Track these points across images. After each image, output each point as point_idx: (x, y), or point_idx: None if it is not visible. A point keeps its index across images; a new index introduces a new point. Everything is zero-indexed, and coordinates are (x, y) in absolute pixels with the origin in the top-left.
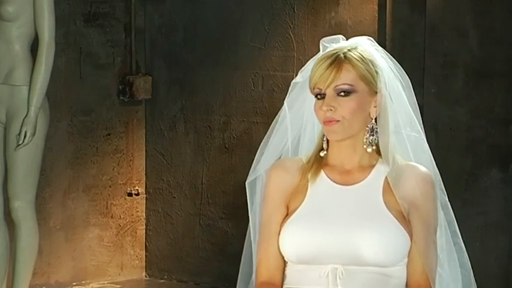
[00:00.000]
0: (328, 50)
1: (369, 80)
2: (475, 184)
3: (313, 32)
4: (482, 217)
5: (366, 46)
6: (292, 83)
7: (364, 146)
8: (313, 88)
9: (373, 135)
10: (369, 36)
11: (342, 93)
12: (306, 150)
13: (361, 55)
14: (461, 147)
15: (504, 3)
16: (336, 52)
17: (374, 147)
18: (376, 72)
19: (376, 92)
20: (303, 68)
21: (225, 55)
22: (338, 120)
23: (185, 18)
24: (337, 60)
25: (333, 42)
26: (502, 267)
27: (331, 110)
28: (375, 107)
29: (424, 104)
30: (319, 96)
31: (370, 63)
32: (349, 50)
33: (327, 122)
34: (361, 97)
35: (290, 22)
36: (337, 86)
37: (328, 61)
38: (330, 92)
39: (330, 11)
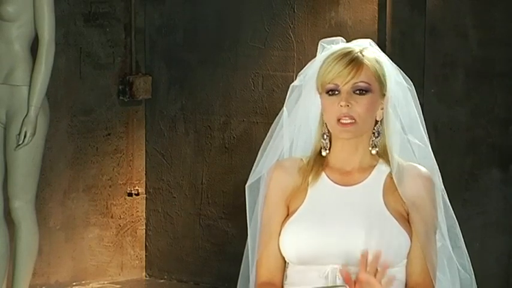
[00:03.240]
0: (331, 50)
1: (382, 81)
2: (475, 184)
3: (313, 32)
4: (482, 217)
5: (371, 48)
6: (291, 86)
7: (370, 148)
8: (327, 83)
9: (378, 137)
10: (369, 36)
11: (358, 92)
12: (301, 151)
13: (374, 56)
14: (461, 147)
15: (504, 3)
16: (352, 50)
17: (378, 149)
18: (386, 75)
19: (384, 94)
20: (301, 71)
21: (225, 55)
22: (353, 120)
23: (185, 18)
24: (357, 58)
25: (332, 44)
26: (502, 267)
27: (348, 106)
28: (382, 109)
29: (424, 104)
30: (330, 93)
31: (382, 65)
32: (361, 50)
33: (342, 119)
34: (374, 97)
35: (290, 22)
36: (356, 83)
37: (347, 58)
38: (346, 89)
39: (330, 11)
